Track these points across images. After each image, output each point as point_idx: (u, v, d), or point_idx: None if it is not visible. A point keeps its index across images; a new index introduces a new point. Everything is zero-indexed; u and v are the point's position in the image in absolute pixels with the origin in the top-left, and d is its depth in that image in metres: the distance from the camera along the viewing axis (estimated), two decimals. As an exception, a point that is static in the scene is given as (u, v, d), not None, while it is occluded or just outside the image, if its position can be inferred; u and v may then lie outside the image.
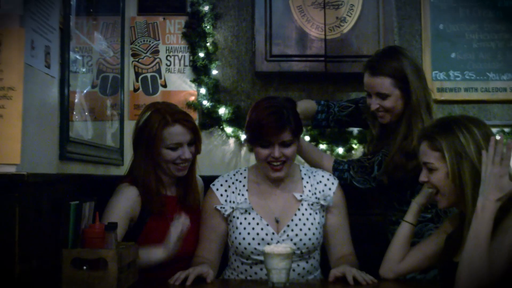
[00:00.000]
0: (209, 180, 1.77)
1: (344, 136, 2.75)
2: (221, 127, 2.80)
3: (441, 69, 2.88)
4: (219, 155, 2.80)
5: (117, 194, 1.65)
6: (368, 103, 1.77)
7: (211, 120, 2.79)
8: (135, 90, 2.85)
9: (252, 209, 1.68)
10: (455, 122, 1.39)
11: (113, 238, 1.38)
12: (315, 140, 2.75)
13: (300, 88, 2.85)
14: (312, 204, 1.68)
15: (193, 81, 2.83)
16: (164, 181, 1.72)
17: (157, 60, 2.86)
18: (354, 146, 2.76)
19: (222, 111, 2.77)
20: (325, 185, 1.73)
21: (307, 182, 1.73)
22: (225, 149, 2.82)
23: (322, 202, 1.69)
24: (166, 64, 2.86)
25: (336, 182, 1.75)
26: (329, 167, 1.80)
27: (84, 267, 1.34)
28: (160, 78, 2.86)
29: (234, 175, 1.77)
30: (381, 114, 1.75)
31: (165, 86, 2.86)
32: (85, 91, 2.06)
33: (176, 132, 1.64)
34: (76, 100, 1.93)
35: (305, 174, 1.75)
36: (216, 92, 2.82)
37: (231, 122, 2.77)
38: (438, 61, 2.87)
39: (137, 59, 2.85)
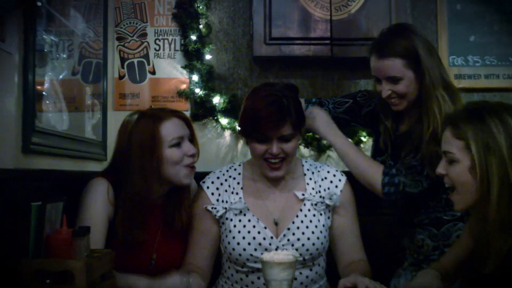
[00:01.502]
0: (202, 177, 1.69)
1: (352, 128, 2.65)
2: (215, 118, 2.72)
3: (459, 54, 2.80)
4: (214, 149, 2.72)
5: (91, 190, 1.53)
6: (378, 89, 1.67)
7: (204, 110, 2.71)
8: (121, 77, 2.76)
9: (248, 209, 1.59)
10: (487, 108, 1.28)
11: (83, 245, 1.24)
12: (319, 133, 2.66)
13: (303, 74, 2.78)
14: (316, 204, 1.60)
15: (185, 67, 2.75)
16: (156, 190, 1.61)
17: (145, 44, 2.77)
18: (363, 139, 2.69)
19: (217, 100, 2.69)
20: (331, 182, 1.64)
21: (310, 179, 1.64)
22: (220, 142, 2.74)
23: (327, 201, 1.60)
24: (155, 49, 2.77)
25: (343, 178, 1.66)
26: (378, 173, 1.64)
27: (48, 281, 1.20)
28: (148, 64, 2.78)
29: (227, 171, 1.68)
30: (394, 101, 1.65)
31: (153, 73, 2.77)
32: (60, 77, 1.95)
33: (175, 124, 1.57)
34: (46, 86, 1.81)
35: (308, 170, 1.66)
36: (210, 80, 2.75)
37: (226, 112, 2.70)
38: (455, 45, 2.79)
39: (122, 43, 2.76)
